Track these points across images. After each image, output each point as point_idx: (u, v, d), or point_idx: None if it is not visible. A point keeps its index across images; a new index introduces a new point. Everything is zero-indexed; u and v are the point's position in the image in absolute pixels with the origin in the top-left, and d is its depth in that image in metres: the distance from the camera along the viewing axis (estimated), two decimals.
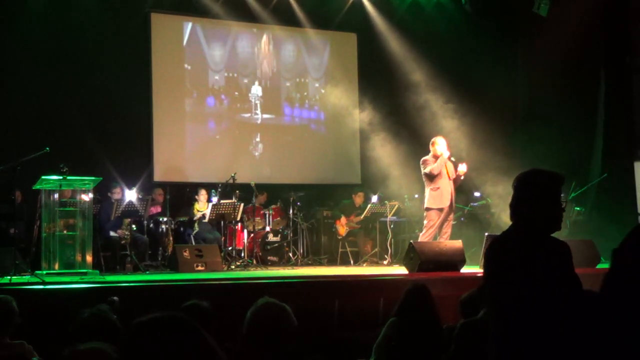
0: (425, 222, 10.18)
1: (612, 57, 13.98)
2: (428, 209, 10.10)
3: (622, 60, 13.93)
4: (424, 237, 9.99)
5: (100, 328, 3.63)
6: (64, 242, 8.86)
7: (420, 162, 10.21)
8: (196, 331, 2.10)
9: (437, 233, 10.06)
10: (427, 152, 10.30)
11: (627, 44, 13.97)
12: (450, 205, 10.08)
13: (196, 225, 11.44)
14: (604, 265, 10.04)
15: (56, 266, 8.69)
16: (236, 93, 13.52)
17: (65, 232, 8.93)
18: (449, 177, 10.07)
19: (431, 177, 10.04)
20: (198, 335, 2.09)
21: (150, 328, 2.09)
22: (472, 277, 8.38)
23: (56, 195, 8.84)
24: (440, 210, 10.01)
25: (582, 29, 13.36)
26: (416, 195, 12.33)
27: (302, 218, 12.48)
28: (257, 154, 13.64)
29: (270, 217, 12.43)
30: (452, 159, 10.14)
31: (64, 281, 7.77)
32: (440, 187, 10.01)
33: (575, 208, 12.77)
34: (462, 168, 10.07)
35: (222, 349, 3.33)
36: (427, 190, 10.12)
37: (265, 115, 13.71)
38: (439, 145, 10.11)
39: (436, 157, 10.08)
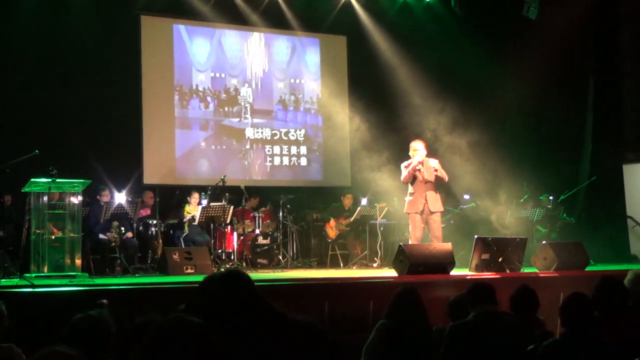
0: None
1: (601, 60, 14.06)
2: (408, 213, 10.13)
3: (610, 64, 14.01)
4: (412, 239, 9.99)
5: (94, 331, 3.60)
6: (53, 244, 8.82)
7: (402, 167, 10.16)
8: (204, 333, 2.09)
9: (424, 233, 9.99)
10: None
11: (616, 47, 14.05)
12: (426, 208, 9.98)
13: (186, 227, 11.41)
14: (593, 268, 10.08)
15: (45, 269, 8.65)
16: (224, 95, 13.50)
17: (54, 235, 8.90)
18: (424, 180, 9.98)
19: (408, 183, 10.05)
20: (205, 337, 2.09)
21: (154, 329, 2.08)
22: (461, 280, 8.40)
23: (45, 198, 8.79)
24: (418, 213, 9.98)
25: (571, 32, 13.43)
26: (405, 198, 12.33)
27: (292, 221, 12.48)
28: (247, 159, 13.59)
29: (260, 219, 12.42)
30: (422, 160, 9.95)
31: (53, 284, 7.72)
32: (415, 192, 9.98)
33: (563, 216, 12.81)
34: (434, 163, 9.96)
35: None
36: (407, 195, 10.14)
37: (255, 120, 13.68)
38: (415, 149, 10.05)
39: None
